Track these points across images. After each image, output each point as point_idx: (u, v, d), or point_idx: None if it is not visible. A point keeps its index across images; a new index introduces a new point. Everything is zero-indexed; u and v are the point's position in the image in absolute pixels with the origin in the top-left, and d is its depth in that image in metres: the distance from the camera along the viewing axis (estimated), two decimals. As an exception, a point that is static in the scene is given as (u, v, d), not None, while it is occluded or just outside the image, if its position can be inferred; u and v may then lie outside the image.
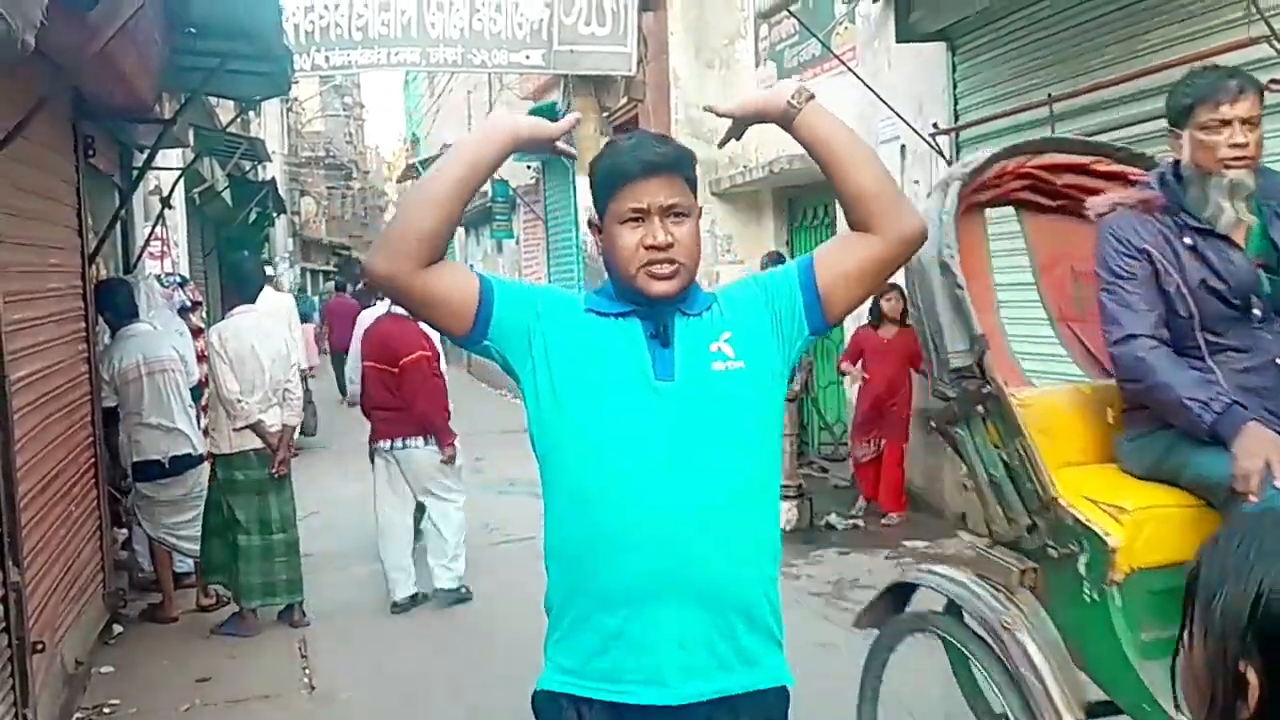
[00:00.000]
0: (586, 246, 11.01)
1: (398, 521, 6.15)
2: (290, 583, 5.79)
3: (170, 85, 6.14)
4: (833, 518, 7.76)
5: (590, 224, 2.07)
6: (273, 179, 16.01)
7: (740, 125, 2.10)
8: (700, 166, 8.00)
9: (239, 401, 5.59)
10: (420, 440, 6.00)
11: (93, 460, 5.44)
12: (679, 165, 1.96)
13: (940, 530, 7.44)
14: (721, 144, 2.28)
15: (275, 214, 17.05)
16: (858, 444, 7.91)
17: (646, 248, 1.93)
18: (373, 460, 6.15)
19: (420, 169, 25.46)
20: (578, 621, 1.97)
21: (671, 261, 1.93)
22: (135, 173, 6.58)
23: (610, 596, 1.93)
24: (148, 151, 6.21)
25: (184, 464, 5.80)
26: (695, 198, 2.00)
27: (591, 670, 1.95)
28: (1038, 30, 6.25)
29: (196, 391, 6.24)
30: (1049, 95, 5.99)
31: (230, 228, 15.10)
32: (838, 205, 7.33)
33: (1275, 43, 4.51)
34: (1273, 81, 4.57)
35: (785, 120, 2.00)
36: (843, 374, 7.90)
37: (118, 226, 6.95)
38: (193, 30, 5.44)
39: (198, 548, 5.76)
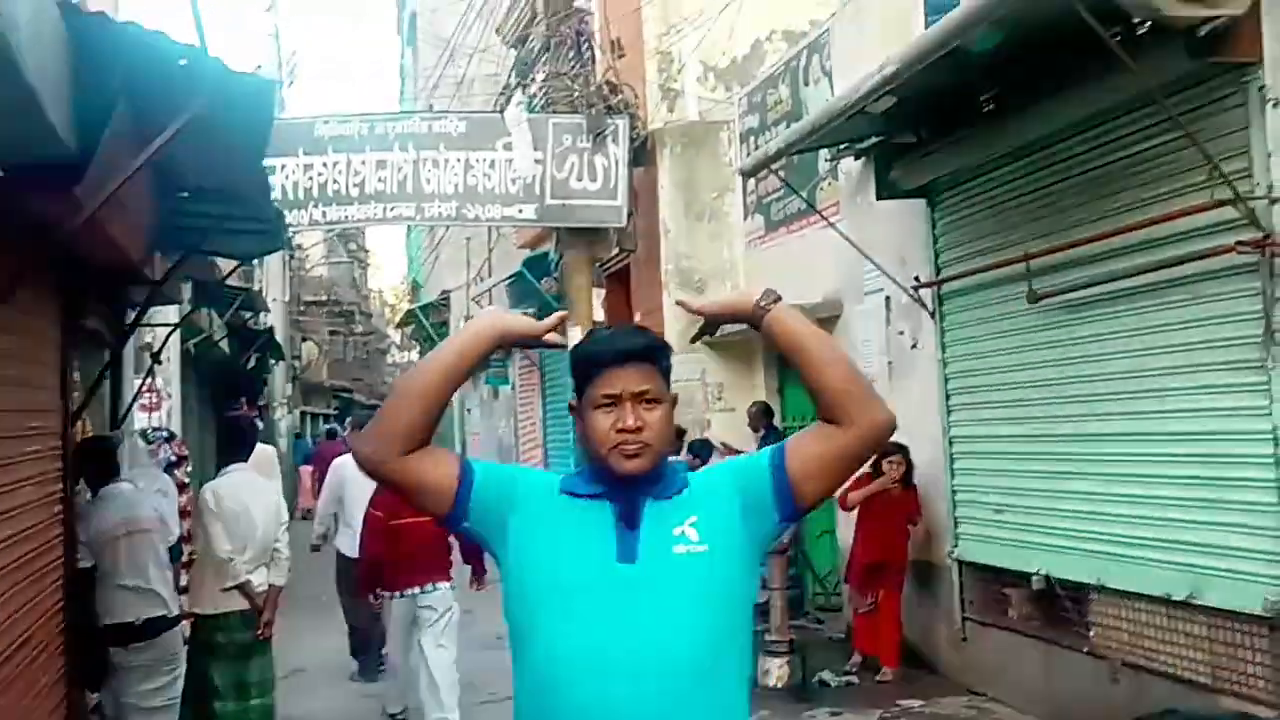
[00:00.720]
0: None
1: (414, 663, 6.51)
2: None
3: (163, 246, 6.25)
4: (826, 674, 7.57)
5: (570, 406, 2.17)
6: (271, 327, 16.19)
7: (711, 323, 2.21)
8: (689, 315, 8.08)
9: (231, 561, 5.54)
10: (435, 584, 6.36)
11: (62, 625, 5.32)
12: (652, 356, 2.09)
13: (935, 688, 7.26)
14: (693, 340, 2.39)
15: (274, 360, 17.23)
16: (858, 596, 7.78)
17: (618, 430, 2.04)
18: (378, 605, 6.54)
19: (420, 314, 25.81)
20: None
21: (640, 442, 2.04)
22: (127, 330, 6.64)
23: None
24: (138, 309, 6.27)
25: (157, 627, 5.67)
26: (669, 387, 2.11)
27: None
28: (1013, 190, 6.40)
29: (176, 550, 6.15)
30: (1025, 252, 6.10)
31: (228, 376, 15.23)
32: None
33: (1239, 205, 4.61)
34: (1239, 243, 4.67)
35: (754, 320, 2.09)
36: (847, 509, 7.79)
37: (106, 383, 6.99)
38: (185, 194, 5.56)
39: (168, 718, 5.60)
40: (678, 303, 2.34)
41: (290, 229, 10.67)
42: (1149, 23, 4.74)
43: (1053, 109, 5.72)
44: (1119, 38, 5.04)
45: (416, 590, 6.38)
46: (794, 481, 2.07)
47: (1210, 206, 4.79)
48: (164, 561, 5.75)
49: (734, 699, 2.05)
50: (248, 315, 14.57)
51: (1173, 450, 5.30)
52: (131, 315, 6.76)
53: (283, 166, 10.21)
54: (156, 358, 7.38)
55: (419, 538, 6.06)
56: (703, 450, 9.07)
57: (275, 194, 9.99)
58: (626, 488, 2.07)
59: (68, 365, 5.51)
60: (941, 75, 5.69)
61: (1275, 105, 4.61)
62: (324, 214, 10.42)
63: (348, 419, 17.83)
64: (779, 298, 2.08)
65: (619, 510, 2.07)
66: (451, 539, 5.93)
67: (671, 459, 2.17)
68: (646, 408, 2.05)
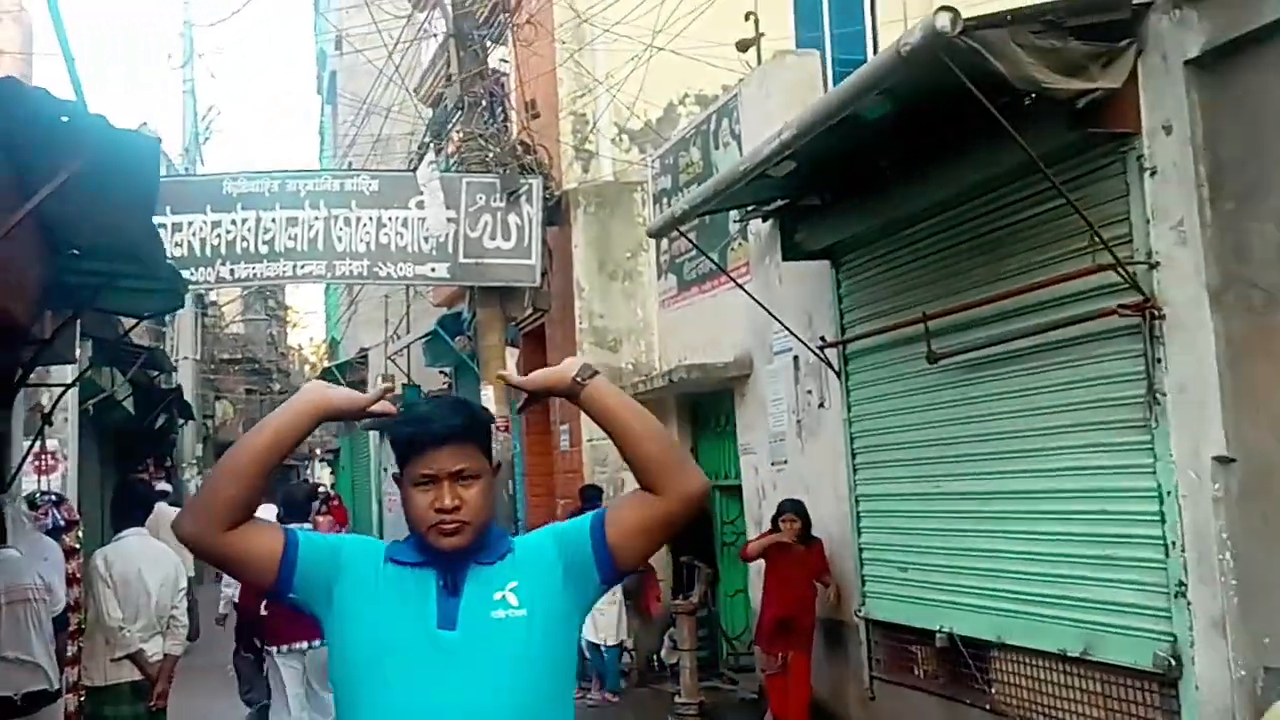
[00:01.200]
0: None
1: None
2: None
3: (54, 303, 6.09)
4: (737, 736, 7.52)
5: (395, 478, 2.22)
6: (178, 386, 15.80)
7: (533, 397, 2.26)
8: (604, 374, 8.06)
9: (121, 629, 5.37)
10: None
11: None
12: (469, 434, 2.15)
13: (844, 749, 7.25)
14: (519, 410, 2.45)
15: (183, 420, 16.80)
16: (765, 656, 7.74)
17: (436, 510, 2.10)
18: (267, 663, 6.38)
19: (336, 373, 25.43)
20: None
21: (458, 521, 2.10)
22: (14, 389, 6.42)
23: None
24: (23, 371, 6.08)
25: (38, 701, 5.45)
26: (489, 459, 2.18)
27: None
28: (912, 252, 6.55)
29: (62, 619, 5.90)
30: (924, 313, 6.22)
31: (131, 437, 14.81)
32: (738, 414, 7.43)
33: (1120, 271, 4.76)
34: (1121, 306, 4.82)
35: (571, 394, 2.16)
36: (748, 559, 7.80)
37: (-9, 445, 6.75)
38: (76, 252, 5.44)
39: None
40: (498, 377, 2.50)
41: (197, 287, 10.49)
42: (1034, 95, 4.92)
43: (947, 174, 5.88)
44: (1006, 107, 5.22)
45: (305, 645, 6.30)
46: (613, 546, 2.15)
47: (1093, 271, 4.94)
48: (48, 632, 5.53)
49: None
50: (154, 374, 14.20)
51: (1064, 508, 5.40)
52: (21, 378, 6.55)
53: (190, 223, 10.07)
54: (47, 419, 7.13)
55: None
56: (594, 496, 9.07)
57: (181, 251, 9.87)
58: (450, 556, 2.13)
59: (-52, 428, 5.32)
60: (840, 140, 5.81)
61: (1153, 174, 4.79)
62: (232, 271, 10.25)
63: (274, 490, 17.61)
64: (595, 373, 2.17)
65: (441, 577, 2.12)
66: None
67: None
68: (464, 485, 2.12)
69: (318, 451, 49.57)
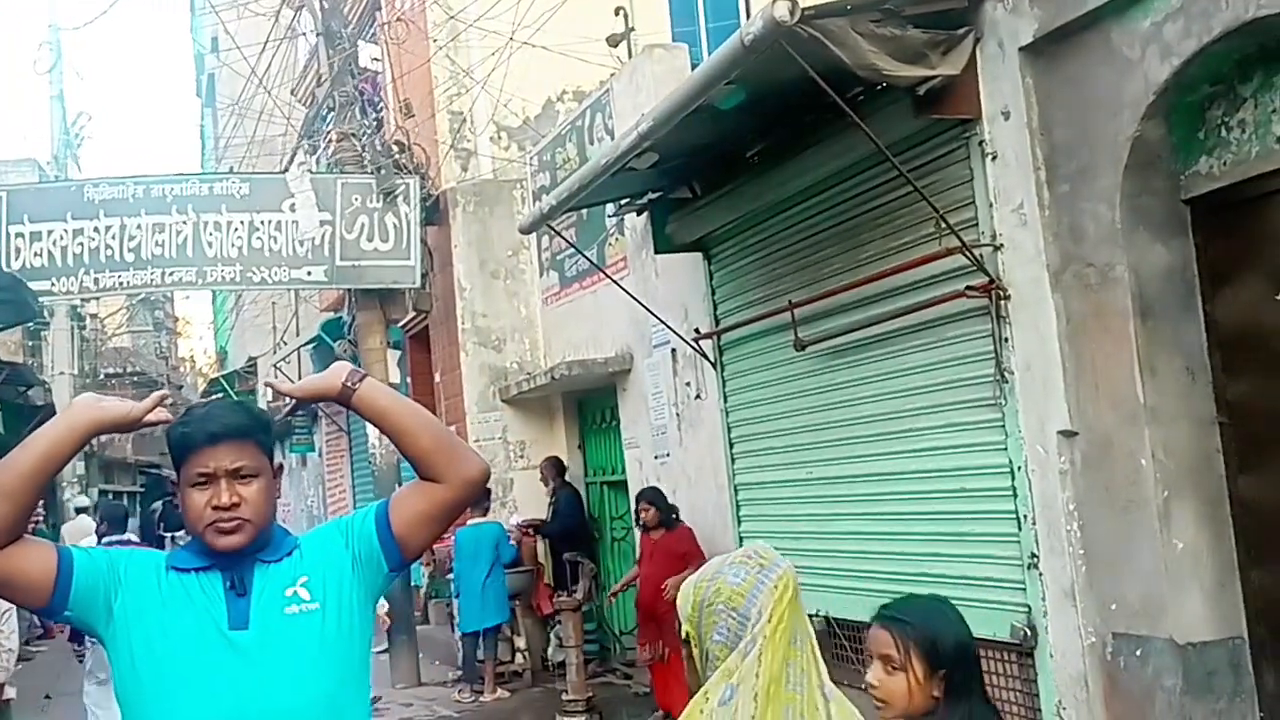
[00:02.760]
0: (375, 458, 10.78)
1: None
2: None
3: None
4: (628, 731, 7.52)
5: (172, 483, 2.15)
6: (50, 404, 15.22)
7: (303, 402, 2.25)
8: (489, 374, 8.05)
9: None
10: None
11: None
12: (247, 432, 2.14)
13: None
14: (287, 415, 2.42)
15: (58, 437, 16.19)
16: (640, 647, 7.76)
17: (213, 508, 2.09)
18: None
19: (225, 383, 24.79)
20: None
21: (236, 518, 2.09)
22: None
23: None
24: None
25: None
26: (270, 459, 2.17)
27: None
28: (778, 241, 6.62)
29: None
30: (789, 301, 6.29)
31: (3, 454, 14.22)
32: (621, 409, 7.37)
33: (966, 253, 4.87)
34: (969, 288, 4.93)
35: (343, 399, 2.16)
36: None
37: None
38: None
39: None
40: (265, 384, 2.46)
41: (56, 298, 10.13)
42: (880, 84, 5.01)
43: (805, 164, 5.96)
44: (860, 96, 5.31)
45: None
46: (398, 535, 2.18)
47: (942, 255, 5.05)
48: None
49: None
50: (23, 389, 13.67)
51: (925, 487, 5.52)
52: None
53: (50, 232, 9.75)
54: (-110, 440, 6.80)
55: None
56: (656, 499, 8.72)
57: (41, 260, 9.54)
58: (232, 556, 2.12)
59: None
60: (702, 131, 5.86)
61: (994, 158, 4.91)
62: (97, 281, 9.94)
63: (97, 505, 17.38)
64: (365, 376, 2.19)
65: (227, 578, 2.11)
66: None
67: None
68: (242, 483, 2.10)
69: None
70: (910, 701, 2.39)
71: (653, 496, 7.53)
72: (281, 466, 2.25)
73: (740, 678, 1.98)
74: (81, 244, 9.73)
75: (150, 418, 2.09)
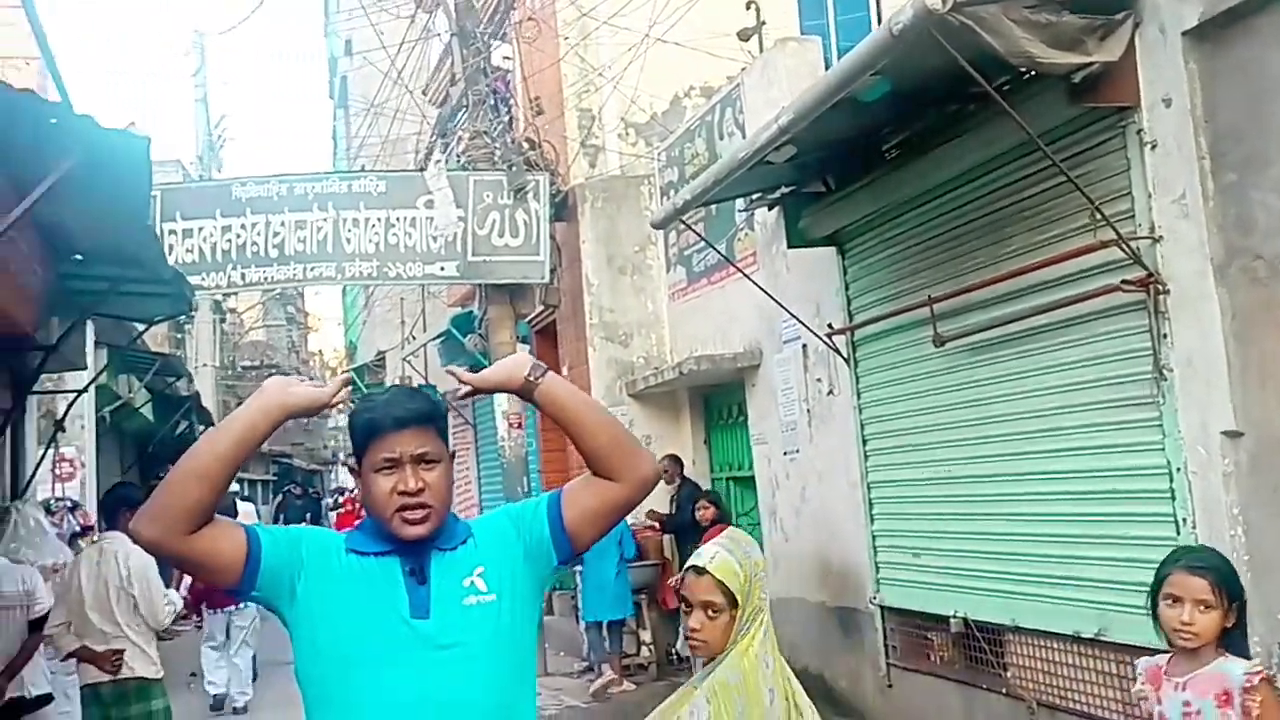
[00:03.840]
0: (504, 450, 10.95)
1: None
2: None
3: (61, 310, 6.13)
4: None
5: (350, 468, 2.24)
6: (196, 393, 15.89)
7: (481, 393, 2.25)
8: (615, 369, 8.16)
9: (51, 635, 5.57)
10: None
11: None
12: (429, 419, 2.17)
13: (862, 737, 7.21)
14: (460, 398, 2.39)
15: (202, 426, 16.89)
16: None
17: (399, 494, 2.10)
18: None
19: (356, 377, 25.53)
20: None
21: (423, 506, 2.10)
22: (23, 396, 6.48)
23: None
24: (31, 377, 6.13)
25: (18, 708, 5.51)
26: (447, 446, 2.19)
27: None
28: (916, 235, 6.50)
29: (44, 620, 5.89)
30: (929, 296, 6.17)
31: (153, 442, 14.92)
32: (749, 404, 7.40)
33: (1123, 246, 4.70)
34: (1125, 282, 4.76)
35: (525, 392, 2.16)
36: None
37: (5, 452, 6.79)
38: (79, 257, 5.47)
39: None
40: (447, 371, 2.41)
41: (208, 292, 10.56)
42: (1031, 71, 4.88)
43: (948, 155, 5.83)
44: (1007, 84, 5.18)
45: (232, 608, 8.97)
46: (570, 529, 2.18)
47: (1096, 247, 4.88)
48: (20, 640, 5.55)
49: None
50: (172, 380, 14.30)
51: (1074, 488, 5.35)
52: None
53: (201, 228, 10.14)
54: (60, 425, 7.19)
55: None
56: (718, 500, 9.06)
57: (194, 256, 9.94)
58: (413, 543, 2.12)
59: (-44, 434, 5.37)
60: (841, 124, 5.79)
61: (1153, 147, 4.73)
62: (243, 275, 10.31)
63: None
64: (547, 370, 2.18)
65: (407, 565, 2.11)
66: None
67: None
68: (426, 468, 2.12)
69: (340, 456, 49.81)
70: (1215, 632, 3.00)
71: (714, 498, 8.09)
72: (454, 454, 2.26)
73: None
74: (230, 240, 10.12)
75: (335, 399, 2.12)
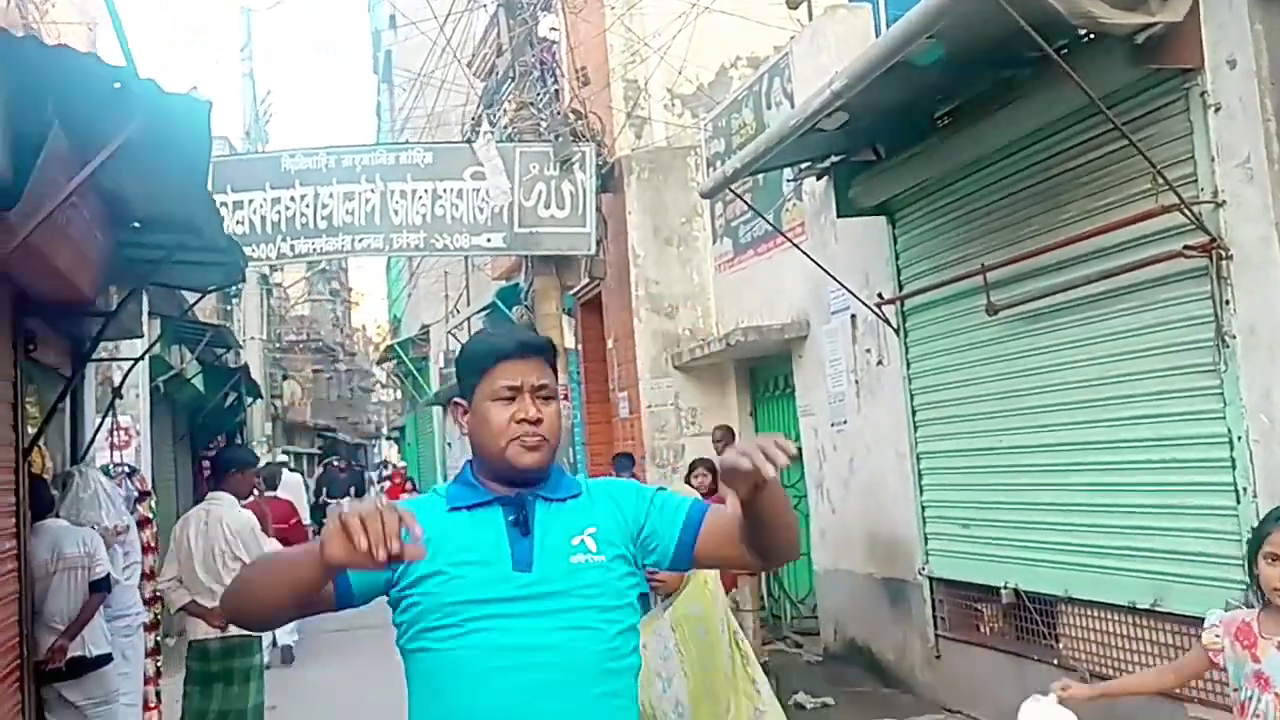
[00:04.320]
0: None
1: None
2: None
3: (118, 278, 6.21)
4: (801, 696, 7.49)
5: (455, 404, 2.16)
6: (245, 365, 16.09)
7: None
8: (661, 341, 8.17)
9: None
10: None
11: (17, 661, 5.25)
12: (547, 351, 2.13)
13: (911, 707, 7.20)
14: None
15: (251, 398, 17.12)
16: None
17: (518, 421, 2.03)
18: None
19: (400, 350, 25.75)
20: None
21: (540, 435, 2.04)
22: (82, 362, 6.59)
23: None
24: (90, 344, 6.23)
25: (80, 667, 5.64)
26: (558, 383, 2.15)
27: None
28: (969, 203, 6.42)
29: (104, 583, 5.97)
30: (982, 264, 6.11)
31: (203, 413, 15.11)
32: (796, 376, 7.34)
33: (1185, 211, 4.62)
34: (1187, 248, 4.68)
35: (758, 485, 1.86)
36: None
37: (66, 418, 6.92)
38: (137, 224, 5.53)
39: None
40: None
41: (259, 263, 10.67)
42: (1091, 33, 4.79)
43: (1003, 121, 5.75)
44: (1065, 48, 5.09)
45: None
46: (697, 552, 2.09)
47: (1157, 213, 4.80)
48: (82, 600, 5.67)
49: (629, 695, 2.07)
50: (221, 352, 14.47)
51: (1131, 457, 5.29)
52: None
53: (250, 200, 10.23)
54: (118, 392, 7.31)
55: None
56: (626, 465, 9.19)
57: (244, 228, 10.03)
58: (516, 489, 2.05)
59: (20, 398, 5.47)
60: (893, 90, 5.72)
61: (1217, 110, 4.64)
62: (293, 247, 10.40)
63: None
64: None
65: (510, 514, 2.04)
66: None
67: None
68: (544, 402, 2.06)
69: (383, 430, 50.35)
70: None
71: (711, 465, 7.75)
72: (567, 393, 2.21)
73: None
74: (279, 212, 10.21)
75: (409, 554, 1.74)
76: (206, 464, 16.20)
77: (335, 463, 25.22)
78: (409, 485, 22.10)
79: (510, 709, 1.93)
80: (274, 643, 9.82)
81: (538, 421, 2.03)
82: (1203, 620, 4.81)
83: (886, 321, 7.38)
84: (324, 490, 21.08)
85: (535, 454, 2.03)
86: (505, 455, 2.03)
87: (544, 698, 1.93)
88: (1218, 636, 3.16)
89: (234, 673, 5.73)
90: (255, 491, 5.99)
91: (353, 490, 20.46)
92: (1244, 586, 4.62)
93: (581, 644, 1.98)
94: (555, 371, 2.13)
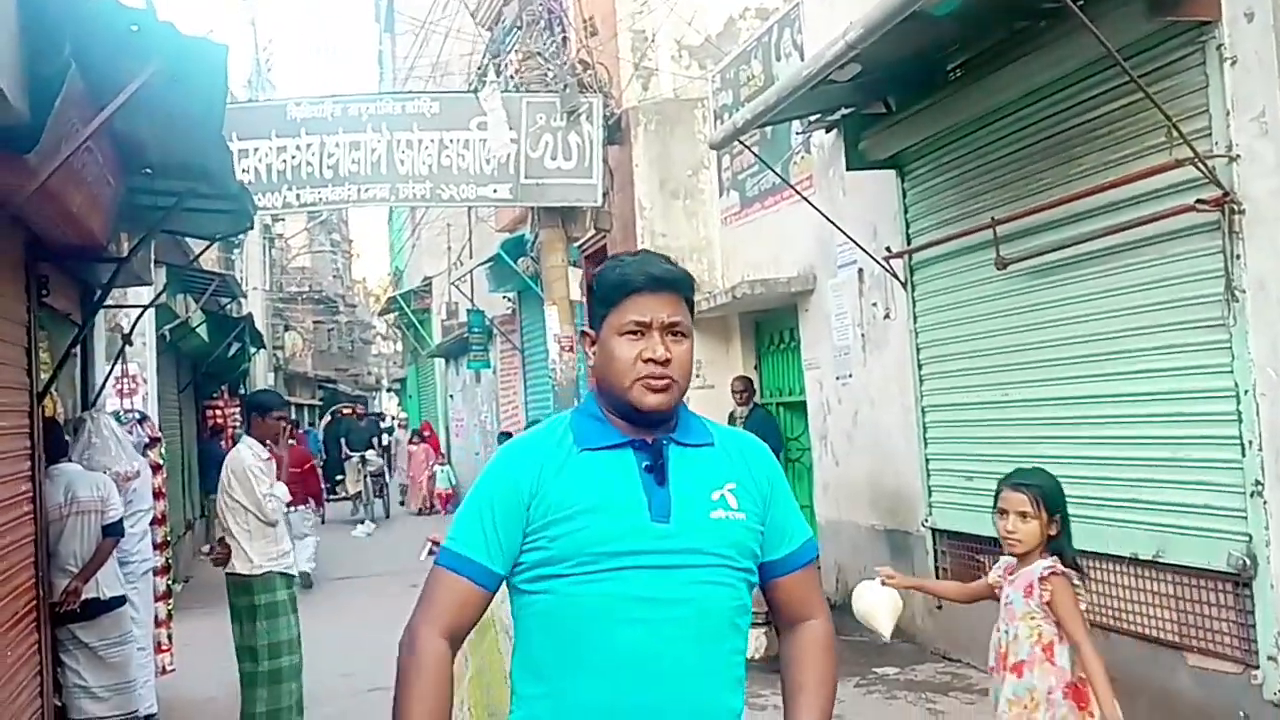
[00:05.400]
0: (555, 374, 11.04)
1: None
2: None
3: (128, 224, 6.22)
4: (803, 645, 7.59)
5: (584, 334, 2.04)
6: (249, 315, 16.10)
7: None
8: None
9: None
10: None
11: (33, 602, 5.32)
12: (683, 285, 1.98)
13: (911, 656, 7.30)
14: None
15: (254, 349, 17.16)
16: None
17: (645, 360, 1.91)
18: None
19: (402, 302, 25.72)
20: None
21: (668, 377, 1.91)
22: (94, 308, 6.61)
23: None
24: (102, 290, 6.25)
25: (94, 609, 5.73)
26: (692, 321, 2.01)
27: None
28: (980, 156, 6.41)
29: (118, 527, 6.02)
30: (992, 218, 6.12)
31: (207, 362, 15.16)
32: (802, 330, 7.35)
33: (1199, 164, 4.62)
34: (1199, 202, 4.70)
35: None
36: None
37: (76, 364, 6.95)
38: (149, 170, 5.53)
39: (98, 707, 5.76)
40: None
41: (264, 211, 10.65)
42: (1108, -17, 4.77)
43: (1017, 73, 5.73)
44: (1080, 2, 5.06)
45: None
46: (768, 587, 2.07)
47: (1171, 166, 4.81)
48: (95, 544, 5.74)
49: (742, 648, 2.02)
50: (225, 301, 14.48)
51: (1138, 411, 5.33)
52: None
53: (256, 149, 10.17)
54: (128, 339, 7.33)
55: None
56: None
57: (249, 176, 9.99)
58: (649, 432, 1.94)
59: (33, 343, 5.49)
60: (907, 41, 5.70)
61: (1233, 64, 4.62)
62: (298, 196, 10.37)
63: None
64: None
65: (644, 459, 1.93)
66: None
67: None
68: (674, 340, 1.93)
69: (384, 382, 50.42)
70: (1038, 539, 3.58)
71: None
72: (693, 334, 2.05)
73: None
74: (285, 161, 10.16)
75: None
76: (210, 413, 16.29)
77: (344, 410, 23.18)
78: (434, 440, 21.60)
79: (643, 660, 1.86)
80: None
81: (666, 362, 1.90)
82: (1204, 570, 4.92)
83: (894, 275, 7.40)
84: (342, 441, 19.79)
85: (661, 396, 1.91)
86: (629, 395, 1.91)
87: (677, 650, 1.87)
88: (997, 576, 3.84)
89: (258, 609, 5.81)
90: (284, 434, 6.03)
91: (375, 442, 19.76)
92: (1246, 539, 4.69)
93: (716, 599, 1.91)
94: (692, 307, 2.01)
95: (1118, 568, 5.55)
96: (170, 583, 7.44)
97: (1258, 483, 4.63)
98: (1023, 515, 3.57)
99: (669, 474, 1.92)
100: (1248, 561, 4.68)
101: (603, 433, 1.95)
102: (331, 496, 17.36)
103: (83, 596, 5.70)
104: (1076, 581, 3.60)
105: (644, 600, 1.86)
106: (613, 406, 1.97)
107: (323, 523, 16.42)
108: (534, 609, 1.92)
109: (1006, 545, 3.61)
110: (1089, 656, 3.43)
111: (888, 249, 7.36)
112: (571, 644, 1.88)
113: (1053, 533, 3.60)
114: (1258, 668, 4.65)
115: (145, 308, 7.64)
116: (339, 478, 19.90)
